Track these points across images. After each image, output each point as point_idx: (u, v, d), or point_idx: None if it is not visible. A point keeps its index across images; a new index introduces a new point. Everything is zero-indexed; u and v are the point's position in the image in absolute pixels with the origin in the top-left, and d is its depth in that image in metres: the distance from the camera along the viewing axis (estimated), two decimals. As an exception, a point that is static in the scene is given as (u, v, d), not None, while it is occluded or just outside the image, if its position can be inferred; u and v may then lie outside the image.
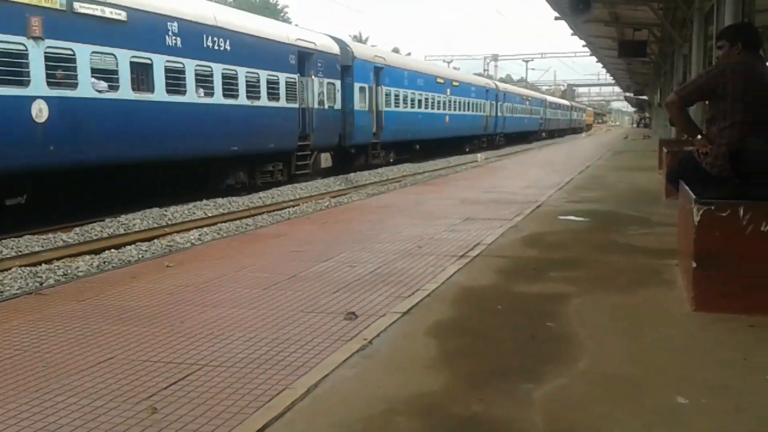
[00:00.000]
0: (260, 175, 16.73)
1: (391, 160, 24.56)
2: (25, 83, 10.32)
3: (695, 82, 5.56)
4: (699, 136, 4.98)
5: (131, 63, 12.23)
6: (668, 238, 5.67)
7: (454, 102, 31.55)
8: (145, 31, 12.56)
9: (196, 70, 13.81)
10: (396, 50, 56.50)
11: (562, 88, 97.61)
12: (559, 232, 6.70)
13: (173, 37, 13.18)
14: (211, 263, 5.59)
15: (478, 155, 29.14)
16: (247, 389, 2.85)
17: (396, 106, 24.52)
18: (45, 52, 10.55)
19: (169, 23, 13.10)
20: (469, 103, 33.84)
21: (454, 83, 32.02)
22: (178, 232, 10.72)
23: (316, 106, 18.53)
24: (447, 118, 30.47)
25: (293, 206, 13.98)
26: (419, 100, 27.02)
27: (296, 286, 4.64)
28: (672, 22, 17.80)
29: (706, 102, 5.13)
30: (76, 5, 11.05)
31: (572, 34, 24.15)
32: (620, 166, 16.42)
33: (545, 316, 3.78)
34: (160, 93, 12.97)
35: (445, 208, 8.78)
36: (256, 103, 15.89)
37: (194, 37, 13.75)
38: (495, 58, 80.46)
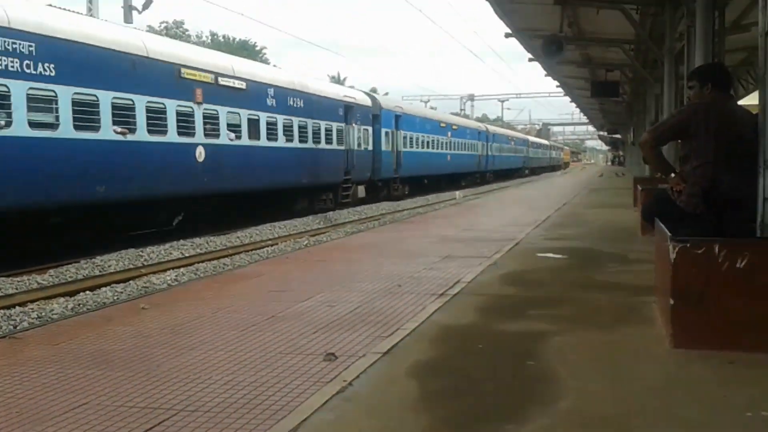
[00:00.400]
0: (317, 203, 21.19)
1: (406, 192, 28.85)
2: (192, 134, 14.68)
3: (668, 121, 5.69)
4: (672, 174, 5.07)
5: (248, 119, 16.83)
6: (645, 275, 5.71)
7: (454, 143, 36.37)
8: (256, 95, 17.28)
9: (283, 122, 18.57)
10: (374, 90, 57.01)
11: (537, 127, 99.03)
12: (538, 270, 6.73)
13: (271, 99, 18.00)
14: (188, 304, 5.51)
15: (456, 193, 29.77)
16: (224, 434, 2.78)
17: (411, 147, 29.27)
18: (203, 113, 15.02)
19: (268, 89, 17.98)
20: (465, 143, 38.78)
21: (454, 127, 36.86)
22: (154, 273, 10.58)
23: (356, 148, 23.38)
24: (449, 156, 35.35)
25: (272, 245, 13.90)
26: (428, 142, 31.88)
27: (275, 327, 4.59)
28: (643, 63, 18.22)
29: (679, 141, 5.24)
30: (220, 79, 15.66)
31: (546, 75, 24.62)
32: (596, 204, 16.62)
33: (526, 354, 3.77)
34: (263, 140, 17.58)
35: (424, 247, 8.79)
36: (318, 146, 20.69)
37: (282, 99, 18.61)
38: (471, 97, 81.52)
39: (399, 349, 3.98)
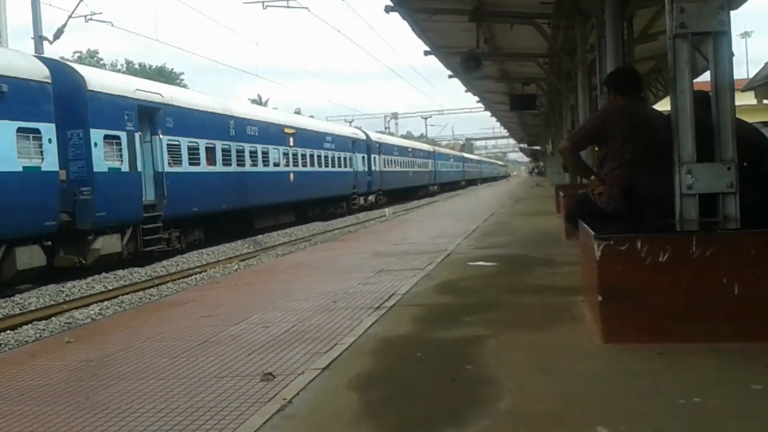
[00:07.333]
0: (337, 208, 30.21)
1: (385, 201, 37.88)
2: (288, 165, 24.76)
3: (584, 127, 5.91)
4: (592, 177, 5.25)
5: (309, 155, 27.11)
6: (573, 276, 5.86)
7: (414, 162, 46.92)
8: (318, 138, 28.75)
9: (324, 155, 28.92)
10: (298, 111, 57.15)
11: (461, 143, 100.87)
12: (471, 278, 6.81)
13: (325, 141, 29.46)
14: (115, 336, 5.31)
15: (386, 210, 30.29)
16: (161, 463, 2.68)
17: (389, 167, 39.85)
18: (291, 153, 25.18)
19: (327, 136, 29.96)
20: (420, 162, 49.43)
21: (412, 149, 47.40)
22: (77, 308, 10.17)
23: (359, 169, 33.71)
24: (410, 173, 45.82)
25: (200, 272, 13.60)
26: (398, 162, 42.42)
27: (208, 351, 4.47)
28: (558, 75, 18.83)
29: (596, 147, 5.44)
30: (299, 132, 26.13)
31: (466, 91, 25.16)
32: (522, 212, 17.02)
33: (464, 359, 3.80)
34: (320, 167, 28.31)
35: (357, 263, 8.77)
36: (337, 169, 30.76)
37: (328, 139, 29.96)
38: (395, 116, 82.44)
39: (338, 363, 3.94)
